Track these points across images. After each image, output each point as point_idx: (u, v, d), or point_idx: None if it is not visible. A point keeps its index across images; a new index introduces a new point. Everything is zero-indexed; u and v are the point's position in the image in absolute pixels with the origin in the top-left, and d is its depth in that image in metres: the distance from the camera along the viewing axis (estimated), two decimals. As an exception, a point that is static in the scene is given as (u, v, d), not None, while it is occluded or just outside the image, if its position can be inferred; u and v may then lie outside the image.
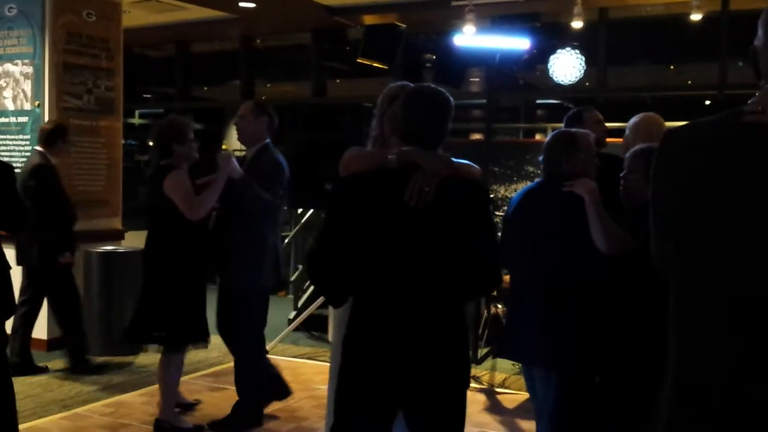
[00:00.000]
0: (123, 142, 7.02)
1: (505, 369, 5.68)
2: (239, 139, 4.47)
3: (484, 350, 5.96)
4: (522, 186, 5.46)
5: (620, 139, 3.91)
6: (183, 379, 4.64)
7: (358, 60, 8.38)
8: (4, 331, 3.52)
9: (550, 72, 7.54)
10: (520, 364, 3.88)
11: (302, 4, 7.86)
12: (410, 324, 2.30)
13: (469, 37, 6.49)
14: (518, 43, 6.08)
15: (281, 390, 4.70)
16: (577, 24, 6.84)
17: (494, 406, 5.07)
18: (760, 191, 1.43)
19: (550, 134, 3.32)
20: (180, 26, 8.91)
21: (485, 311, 6.11)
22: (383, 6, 8.00)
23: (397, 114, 2.48)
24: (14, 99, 6.39)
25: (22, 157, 6.23)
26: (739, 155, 1.47)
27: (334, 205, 2.42)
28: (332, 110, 9.93)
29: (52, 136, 5.48)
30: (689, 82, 9.39)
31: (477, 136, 11.01)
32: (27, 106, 6.32)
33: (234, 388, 4.52)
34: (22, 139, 6.33)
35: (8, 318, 3.57)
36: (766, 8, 1.53)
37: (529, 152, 6.91)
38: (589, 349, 3.00)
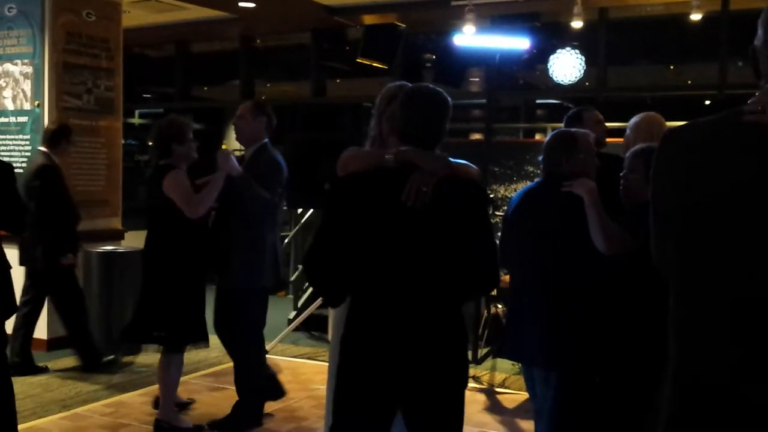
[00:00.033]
0: (123, 142, 7.02)
1: (505, 369, 5.68)
2: (238, 139, 4.47)
3: (484, 350, 5.96)
4: (522, 186, 5.46)
5: (620, 139, 3.91)
6: (183, 379, 4.64)
7: (357, 60, 8.38)
8: (4, 331, 3.52)
9: (550, 72, 7.54)
10: (519, 364, 3.88)
11: (302, 3, 7.86)
12: (408, 324, 2.29)
13: (468, 37, 6.49)
14: (518, 42, 6.08)
15: (276, 390, 4.71)
16: (577, 24, 6.84)
17: (494, 406, 5.07)
18: (760, 191, 1.43)
19: (549, 134, 3.32)
20: (180, 26, 8.91)
21: (485, 311, 6.11)
22: (383, 6, 8.01)
23: (396, 114, 2.48)
24: (14, 99, 6.38)
25: (21, 157, 6.23)
26: (739, 155, 1.47)
27: (331, 205, 2.42)
28: (332, 110, 9.92)
29: (56, 137, 5.50)
30: (689, 82, 9.39)
31: (477, 136, 11.02)
32: (27, 106, 6.32)
33: (234, 388, 4.52)
34: (21, 139, 6.33)
35: (8, 318, 3.57)
36: (765, 8, 1.53)
37: (529, 152, 6.91)
38: (589, 349, 3.00)
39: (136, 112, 11.47)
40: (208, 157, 4.22)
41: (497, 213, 6.19)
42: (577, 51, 7.45)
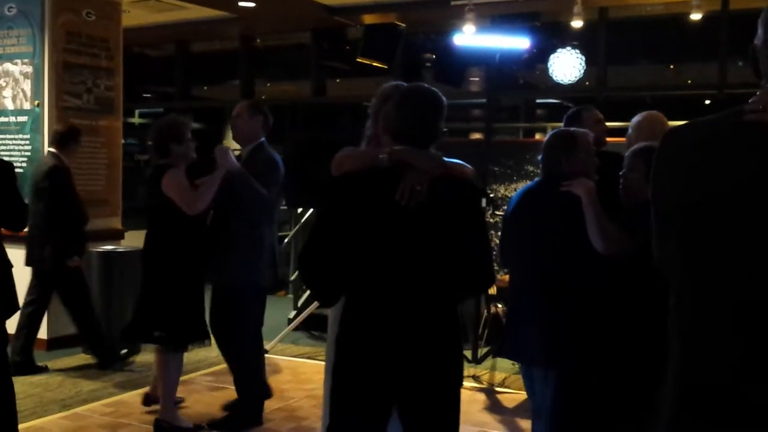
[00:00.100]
0: (123, 141, 7.02)
1: (505, 368, 5.68)
2: (235, 138, 4.50)
3: (484, 350, 5.96)
4: (522, 185, 5.46)
5: (620, 139, 3.91)
6: (183, 378, 4.64)
7: (357, 59, 8.38)
8: (5, 330, 3.53)
9: (550, 71, 7.54)
10: (519, 364, 3.88)
11: (302, 3, 7.86)
12: (402, 323, 2.30)
13: (468, 37, 6.49)
14: (518, 42, 6.07)
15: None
16: (577, 23, 6.84)
17: (494, 406, 5.07)
18: (760, 190, 1.43)
19: (549, 134, 3.32)
20: (180, 26, 8.91)
21: (485, 311, 6.11)
22: (383, 5, 8.01)
23: (391, 113, 2.48)
24: (14, 98, 6.38)
25: (21, 156, 6.23)
26: (739, 154, 1.47)
27: (325, 205, 2.42)
28: (332, 110, 9.96)
29: (65, 138, 5.55)
30: (689, 81, 9.39)
31: (477, 136, 11.01)
32: (26, 106, 6.32)
33: (234, 387, 4.52)
34: (21, 139, 6.33)
35: (9, 317, 3.57)
36: (766, 7, 1.53)
37: (529, 152, 6.91)
38: (588, 348, 3.00)
39: (136, 112, 11.46)
40: (207, 157, 4.23)
41: (497, 213, 6.19)
42: (577, 51, 7.45)
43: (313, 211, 7.62)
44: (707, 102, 8.80)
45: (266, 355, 5.54)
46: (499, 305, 6.19)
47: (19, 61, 6.34)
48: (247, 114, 4.37)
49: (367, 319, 2.34)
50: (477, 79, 9.35)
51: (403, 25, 8.42)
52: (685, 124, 1.60)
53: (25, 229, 4.48)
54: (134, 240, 6.04)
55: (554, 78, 7.55)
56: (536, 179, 3.37)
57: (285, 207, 8.50)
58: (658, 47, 8.56)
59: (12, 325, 4.93)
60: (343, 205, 2.36)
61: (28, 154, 6.27)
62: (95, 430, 4.41)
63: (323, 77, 9.57)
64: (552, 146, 3.20)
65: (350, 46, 9.15)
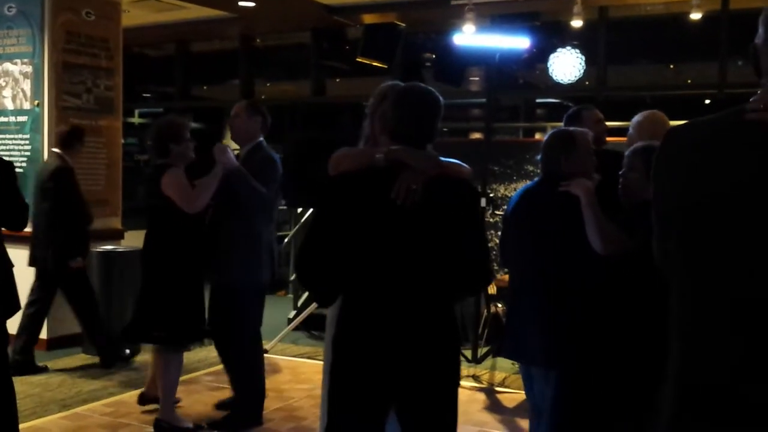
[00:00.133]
0: (122, 141, 7.02)
1: (505, 368, 5.68)
2: (233, 137, 4.51)
3: (484, 349, 5.96)
4: (522, 185, 5.47)
5: (620, 138, 3.90)
6: (183, 378, 4.64)
7: (357, 59, 8.38)
8: (5, 330, 3.53)
9: (550, 71, 7.54)
10: (519, 363, 3.88)
11: (302, 3, 7.85)
12: (399, 322, 2.29)
13: (468, 36, 6.49)
14: (518, 42, 6.07)
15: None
16: (576, 23, 6.83)
17: (494, 405, 5.07)
18: (761, 190, 1.42)
19: (548, 133, 3.32)
20: (179, 25, 8.91)
21: (485, 310, 6.11)
22: (383, 5, 8.00)
23: (387, 113, 2.48)
24: (13, 98, 6.38)
25: (21, 156, 6.23)
26: (740, 154, 1.47)
27: (322, 205, 2.42)
28: (332, 109, 9.95)
29: (69, 138, 5.58)
30: (689, 81, 9.38)
31: (477, 136, 11.01)
32: (26, 106, 6.32)
33: (230, 387, 4.52)
34: (21, 139, 6.33)
35: (10, 317, 3.57)
36: (766, 7, 1.53)
37: (529, 151, 6.91)
38: (588, 348, 3.00)
39: (136, 112, 11.45)
40: (207, 157, 4.23)
41: (497, 212, 6.19)
42: (577, 50, 7.45)
43: (312, 211, 7.63)
44: (707, 102, 8.79)
45: (266, 355, 5.55)
46: (499, 305, 6.19)
47: (18, 60, 6.34)
48: (246, 114, 4.38)
49: (364, 319, 2.33)
50: (477, 78, 9.34)
51: (403, 24, 8.42)
52: (685, 123, 1.60)
53: (29, 230, 4.49)
54: (134, 240, 6.04)
55: (554, 78, 7.55)
56: (536, 179, 3.37)
57: (285, 207, 8.52)
58: (658, 47, 8.56)
59: (14, 324, 4.96)
60: (340, 204, 2.36)
61: (28, 153, 6.27)
62: (95, 430, 4.41)
63: (323, 77, 9.57)
64: (551, 146, 3.20)
65: (350, 46, 9.15)
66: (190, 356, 5.40)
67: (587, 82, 8.05)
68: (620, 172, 3.04)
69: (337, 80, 10.35)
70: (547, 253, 3.07)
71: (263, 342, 4.72)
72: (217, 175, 4.13)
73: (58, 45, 6.23)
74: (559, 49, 7.48)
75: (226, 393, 4.91)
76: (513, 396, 5.22)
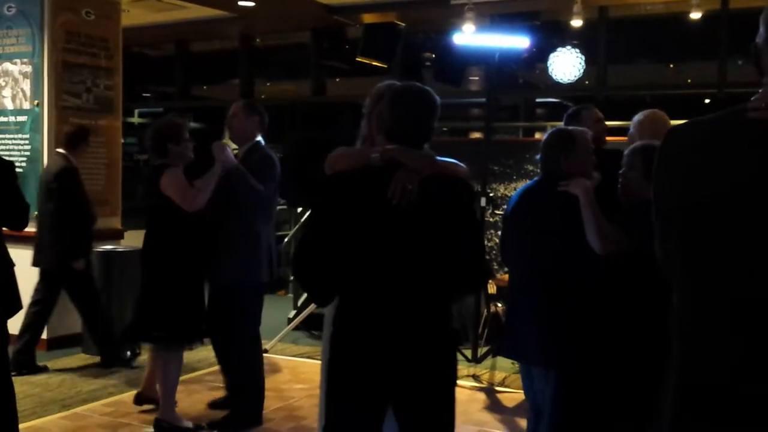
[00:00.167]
0: (122, 141, 7.02)
1: (505, 368, 5.68)
2: (231, 137, 4.52)
3: (484, 349, 5.96)
4: (521, 185, 5.47)
5: (620, 138, 3.90)
6: (182, 378, 4.64)
7: (357, 59, 8.38)
8: (6, 329, 3.53)
9: (550, 70, 7.54)
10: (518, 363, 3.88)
11: (302, 2, 7.85)
12: (395, 321, 2.30)
13: (468, 36, 6.49)
14: (518, 41, 6.07)
15: None
16: (576, 22, 6.83)
17: (494, 405, 5.07)
18: (761, 190, 1.42)
19: (547, 132, 3.32)
20: (179, 25, 8.90)
21: (485, 310, 6.11)
22: (382, 5, 8.00)
23: (384, 113, 2.48)
24: (13, 98, 6.38)
25: (21, 156, 6.23)
26: (742, 153, 1.46)
27: (318, 204, 2.42)
28: (332, 109, 9.95)
29: (74, 139, 5.59)
30: (689, 80, 9.38)
31: (476, 135, 11.00)
32: (26, 105, 6.32)
33: (224, 387, 4.52)
34: (21, 138, 6.33)
35: (11, 316, 3.57)
36: (767, 5, 1.53)
37: (529, 151, 6.91)
38: (587, 347, 3.00)
39: (136, 112, 11.46)
40: (206, 157, 4.23)
41: (497, 212, 6.19)
42: (577, 50, 7.44)
43: (309, 211, 7.63)
44: (707, 101, 8.79)
45: (266, 355, 5.55)
46: (499, 304, 6.19)
47: (18, 60, 6.34)
48: (243, 114, 4.40)
49: (360, 318, 2.34)
50: (477, 78, 9.34)
51: (403, 24, 8.42)
52: (686, 123, 1.60)
53: (33, 230, 4.49)
54: (134, 240, 6.04)
55: (554, 77, 7.55)
56: (536, 178, 3.37)
57: (285, 207, 8.52)
58: (657, 46, 8.56)
59: (16, 324, 4.97)
60: (336, 204, 2.36)
61: (28, 153, 6.27)
62: (95, 430, 4.41)
63: (323, 77, 9.57)
64: (550, 145, 3.20)
65: (350, 46, 9.15)
66: (190, 356, 5.40)
67: (587, 82, 8.05)
68: (619, 172, 3.04)
69: (337, 80, 10.35)
70: (546, 253, 3.07)
71: (263, 342, 4.72)
72: (216, 173, 4.14)
73: (57, 45, 6.23)
74: (559, 49, 7.48)
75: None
76: (513, 396, 5.22)
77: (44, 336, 5.97)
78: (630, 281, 2.85)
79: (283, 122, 10.05)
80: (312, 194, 5.86)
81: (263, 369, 4.58)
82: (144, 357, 5.82)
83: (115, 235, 6.59)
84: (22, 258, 3.80)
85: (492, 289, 6.43)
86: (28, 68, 6.28)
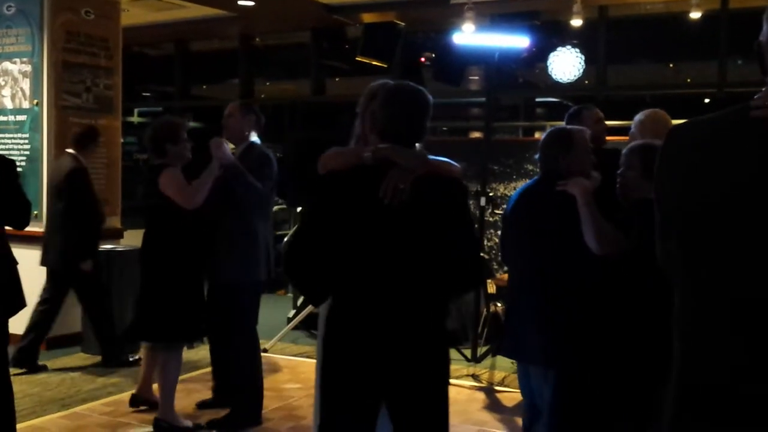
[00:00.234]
0: (122, 140, 7.01)
1: (504, 367, 5.68)
2: (228, 137, 4.51)
3: (484, 349, 5.96)
4: (521, 184, 5.48)
5: (620, 138, 3.90)
6: (182, 377, 4.64)
7: (357, 58, 8.37)
8: (7, 329, 3.53)
9: (550, 70, 7.53)
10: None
11: (301, 2, 7.85)
12: (387, 321, 2.29)
13: (468, 36, 6.48)
14: (518, 41, 6.07)
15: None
16: (576, 22, 6.83)
17: (494, 405, 5.07)
18: (762, 189, 1.41)
19: (545, 132, 3.32)
20: (179, 25, 8.90)
21: (485, 310, 6.11)
22: (382, 4, 8.00)
23: (376, 112, 2.48)
24: (13, 97, 6.38)
25: (20, 155, 6.23)
26: (744, 151, 1.45)
27: (311, 204, 2.42)
28: (332, 109, 9.95)
29: (84, 139, 5.62)
30: (689, 80, 9.38)
31: (476, 135, 11.00)
32: (25, 105, 6.31)
33: (212, 387, 4.52)
34: (20, 138, 6.33)
35: (14, 314, 3.57)
36: (768, 4, 1.52)
37: (529, 150, 6.91)
38: (586, 347, 3.00)
39: (136, 111, 11.45)
40: (205, 156, 4.24)
41: (497, 211, 6.19)
42: (577, 49, 7.44)
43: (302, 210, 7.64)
44: (707, 101, 8.79)
45: (266, 354, 5.55)
46: (499, 304, 6.19)
47: (18, 60, 6.34)
48: (239, 114, 4.43)
49: (352, 317, 2.34)
50: (476, 77, 9.34)
51: (403, 23, 8.42)
52: (687, 122, 1.59)
53: (36, 229, 4.50)
54: (133, 239, 6.04)
55: (554, 77, 7.54)
56: (535, 178, 3.37)
57: (284, 206, 8.52)
58: (657, 46, 8.56)
59: (19, 324, 4.98)
60: (328, 203, 2.36)
61: (27, 153, 6.27)
62: (94, 430, 4.41)
63: (323, 76, 9.56)
64: (549, 144, 3.20)
65: (350, 45, 9.14)
66: (189, 355, 5.39)
67: (587, 82, 8.05)
68: (618, 171, 3.04)
69: (337, 79, 10.35)
70: (545, 252, 3.06)
71: (263, 341, 4.72)
72: (214, 171, 4.15)
73: (57, 44, 6.23)
74: (559, 48, 7.48)
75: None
76: (512, 395, 5.22)
77: (44, 335, 5.98)
78: (629, 281, 2.85)
79: (283, 122, 10.05)
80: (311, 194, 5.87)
81: (261, 368, 4.58)
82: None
83: (115, 235, 6.58)
84: (27, 257, 3.81)
85: (492, 288, 6.43)
86: (28, 67, 6.28)
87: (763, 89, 1.48)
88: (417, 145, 2.47)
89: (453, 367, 5.66)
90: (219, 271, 4.35)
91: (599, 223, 2.91)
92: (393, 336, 2.29)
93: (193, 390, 5.11)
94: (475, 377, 5.55)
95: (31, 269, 3.74)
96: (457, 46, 6.44)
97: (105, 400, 4.93)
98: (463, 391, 5.24)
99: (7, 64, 6.38)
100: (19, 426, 3.69)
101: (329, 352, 2.39)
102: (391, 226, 2.31)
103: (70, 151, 5.58)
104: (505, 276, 3.67)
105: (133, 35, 8.09)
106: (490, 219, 6.50)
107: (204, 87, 11.64)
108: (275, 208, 8.23)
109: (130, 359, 5.70)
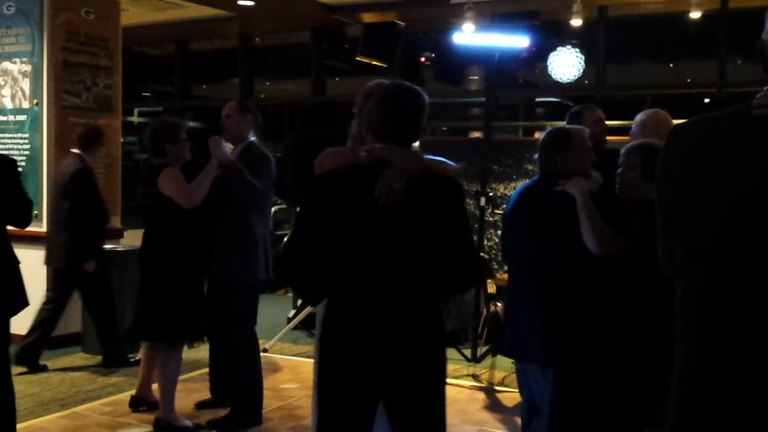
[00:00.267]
0: (122, 140, 7.01)
1: (504, 367, 5.67)
2: (226, 137, 4.51)
3: (484, 348, 5.96)
4: (521, 184, 5.48)
5: (620, 138, 3.90)
6: (182, 377, 4.64)
7: (357, 58, 8.37)
8: (8, 330, 3.53)
9: (550, 70, 7.53)
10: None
11: (301, 2, 7.85)
12: (383, 320, 2.29)
13: (468, 35, 6.48)
14: (517, 41, 6.07)
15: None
16: (576, 22, 6.82)
17: (494, 405, 5.07)
18: (765, 187, 1.41)
19: (545, 132, 3.32)
20: (179, 24, 8.89)
21: (485, 310, 6.11)
22: (382, 4, 7.99)
23: (372, 111, 2.48)
24: (12, 97, 6.38)
25: (20, 155, 6.23)
26: (747, 150, 1.45)
27: (306, 204, 2.42)
28: (332, 109, 9.94)
29: (90, 139, 5.63)
30: (688, 80, 9.38)
31: (476, 135, 11.00)
32: (25, 105, 6.31)
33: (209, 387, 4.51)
34: (20, 138, 6.32)
35: (16, 313, 3.57)
36: None
37: (529, 150, 6.90)
38: (585, 347, 3.00)
39: (135, 111, 11.45)
40: (205, 156, 4.24)
41: (497, 211, 6.19)
42: (577, 49, 7.44)
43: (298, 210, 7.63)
44: (706, 101, 8.79)
45: (266, 354, 5.55)
46: (499, 304, 6.19)
47: (18, 59, 6.34)
48: (237, 114, 4.43)
49: (348, 316, 2.34)
50: (476, 77, 9.34)
51: (403, 23, 8.41)
52: (690, 120, 1.58)
53: (37, 229, 4.50)
54: (133, 239, 6.04)
55: (553, 76, 7.54)
56: (534, 177, 3.37)
57: (285, 206, 8.52)
58: (657, 46, 8.55)
59: (23, 324, 4.98)
60: (323, 203, 2.36)
61: (27, 152, 6.27)
62: (94, 430, 4.41)
63: (323, 76, 9.56)
64: (547, 144, 3.20)
65: (350, 45, 9.13)
66: (189, 355, 5.39)
67: (587, 81, 8.05)
68: (617, 171, 3.04)
69: (337, 79, 10.35)
70: (544, 252, 3.06)
71: (263, 341, 4.72)
72: (213, 169, 4.15)
73: (57, 44, 6.23)
74: (559, 48, 7.47)
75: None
76: (512, 395, 5.21)
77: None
78: (628, 281, 2.85)
79: (283, 122, 10.04)
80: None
81: (261, 368, 4.58)
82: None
83: (115, 235, 6.58)
84: (26, 257, 3.81)
85: (492, 288, 6.43)
86: (28, 67, 6.28)
87: (765, 88, 1.48)
88: (417, 143, 2.47)
89: (453, 367, 5.72)
90: (219, 272, 4.35)
91: (598, 224, 2.91)
92: (389, 335, 2.29)
93: (193, 390, 5.11)
94: (475, 377, 5.55)
95: (32, 269, 3.74)
96: (457, 46, 6.44)
97: (105, 400, 4.93)
98: (463, 391, 5.24)
99: (6, 64, 6.38)
100: (19, 426, 3.69)
101: (325, 351, 2.39)
102: (386, 225, 2.31)
103: (75, 151, 5.59)
104: (505, 276, 3.67)
105: (133, 35, 8.10)
106: (490, 219, 6.50)
107: (204, 87, 11.64)
108: (275, 208, 8.24)
109: (131, 359, 5.70)
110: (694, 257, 1.51)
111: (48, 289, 5.61)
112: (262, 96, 10.48)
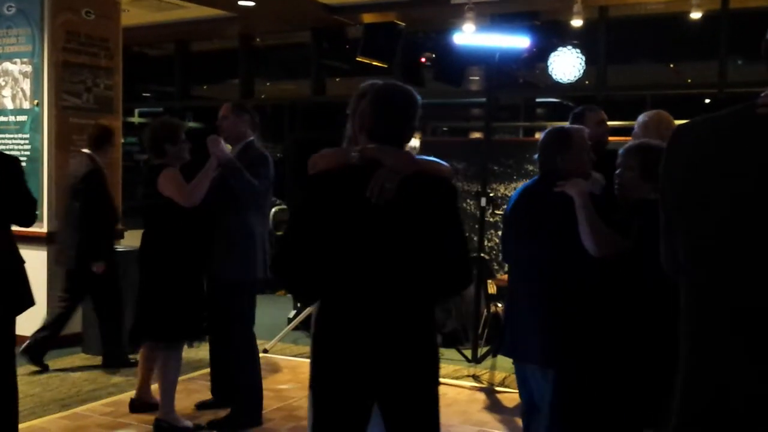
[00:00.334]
0: (122, 141, 7.01)
1: (505, 368, 5.67)
2: (224, 138, 4.51)
3: (484, 349, 5.95)
4: (521, 184, 5.49)
5: (621, 138, 3.90)
6: (182, 378, 4.64)
7: (357, 58, 8.37)
8: (14, 330, 3.53)
9: (550, 70, 7.53)
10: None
11: (301, 2, 7.85)
12: (375, 320, 2.29)
13: (468, 36, 6.48)
14: (518, 41, 6.06)
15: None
16: (576, 22, 6.83)
17: (494, 405, 5.07)
18: (766, 187, 1.41)
19: (544, 132, 3.32)
20: (179, 25, 8.90)
21: (485, 310, 6.11)
22: (382, 4, 8.00)
23: (365, 111, 2.48)
24: (13, 98, 6.38)
25: (21, 156, 6.22)
26: (750, 149, 1.45)
27: (299, 204, 2.43)
28: (332, 109, 9.94)
29: (100, 139, 5.63)
30: (689, 80, 9.38)
31: (476, 135, 11.00)
32: (26, 105, 6.32)
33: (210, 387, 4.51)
34: (21, 138, 6.33)
35: (21, 312, 3.57)
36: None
37: (529, 151, 6.90)
38: (585, 347, 3.00)
39: (136, 111, 11.45)
40: (204, 156, 4.24)
41: (497, 212, 6.19)
42: (577, 49, 7.44)
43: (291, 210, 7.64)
44: (707, 101, 8.79)
45: (266, 355, 5.55)
46: (499, 304, 6.19)
47: (18, 60, 6.34)
48: (234, 114, 4.45)
49: (341, 317, 2.34)
50: (477, 78, 9.34)
51: (403, 23, 8.42)
52: (693, 120, 1.58)
53: (39, 229, 4.50)
54: (134, 239, 6.03)
55: (554, 77, 7.54)
56: (534, 177, 3.37)
57: (285, 206, 8.52)
58: (658, 46, 8.55)
59: (26, 324, 4.98)
60: (316, 202, 2.36)
61: (28, 153, 6.27)
62: (95, 430, 4.41)
63: (323, 76, 9.56)
64: (547, 144, 3.20)
65: (350, 45, 9.14)
66: (190, 356, 5.39)
67: (587, 82, 8.05)
68: (616, 172, 3.03)
69: (337, 80, 10.34)
70: (544, 252, 3.06)
71: (263, 342, 4.72)
72: (212, 168, 4.16)
73: (57, 44, 6.23)
74: (559, 49, 7.47)
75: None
76: (513, 396, 5.21)
77: (44, 335, 5.98)
78: (627, 281, 2.85)
79: (283, 122, 10.04)
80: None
81: (260, 368, 4.58)
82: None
83: (116, 235, 6.57)
84: (31, 258, 3.82)
85: (492, 289, 6.43)
86: (28, 68, 6.28)
87: None
88: (417, 144, 2.47)
89: (454, 367, 5.72)
90: (219, 272, 4.35)
91: (596, 225, 2.91)
92: (381, 335, 2.30)
93: (193, 390, 5.11)
94: (475, 378, 5.55)
95: (32, 269, 3.74)
96: (457, 46, 6.44)
97: (105, 401, 4.93)
98: (463, 392, 5.24)
99: (7, 65, 6.38)
100: (19, 426, 3.68)
101: (318, 351, 2.40)
102: (378, 225, 2.31)
103: (86, 151, 5.60)
104: (506, 276, 3.67)
105: (134, 35, 8.10)
106: (491, 219, 6.50)
107: (204, 87, 11.64)
108: (275, 208, 8.24)
109: (131, 360, 5.70)
110: (694, 257, 1.51)
111: (62, 290, 5.64)
112: (263, 96, 10.48)
